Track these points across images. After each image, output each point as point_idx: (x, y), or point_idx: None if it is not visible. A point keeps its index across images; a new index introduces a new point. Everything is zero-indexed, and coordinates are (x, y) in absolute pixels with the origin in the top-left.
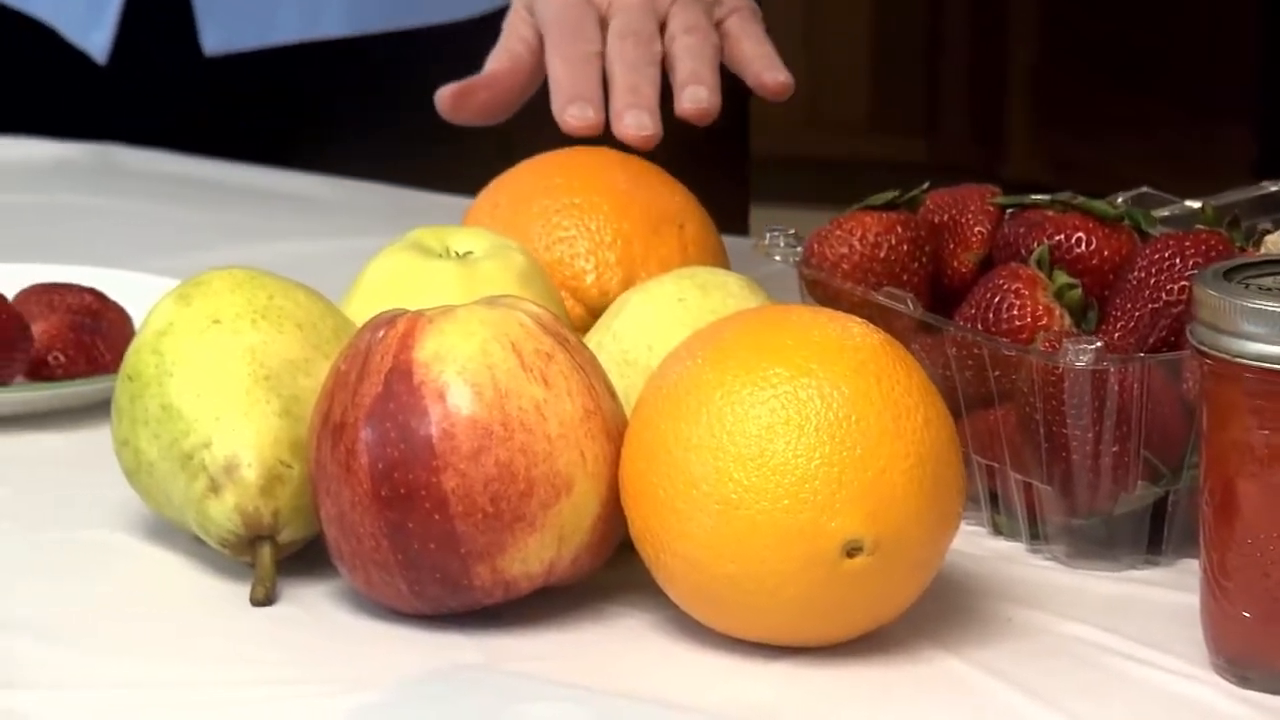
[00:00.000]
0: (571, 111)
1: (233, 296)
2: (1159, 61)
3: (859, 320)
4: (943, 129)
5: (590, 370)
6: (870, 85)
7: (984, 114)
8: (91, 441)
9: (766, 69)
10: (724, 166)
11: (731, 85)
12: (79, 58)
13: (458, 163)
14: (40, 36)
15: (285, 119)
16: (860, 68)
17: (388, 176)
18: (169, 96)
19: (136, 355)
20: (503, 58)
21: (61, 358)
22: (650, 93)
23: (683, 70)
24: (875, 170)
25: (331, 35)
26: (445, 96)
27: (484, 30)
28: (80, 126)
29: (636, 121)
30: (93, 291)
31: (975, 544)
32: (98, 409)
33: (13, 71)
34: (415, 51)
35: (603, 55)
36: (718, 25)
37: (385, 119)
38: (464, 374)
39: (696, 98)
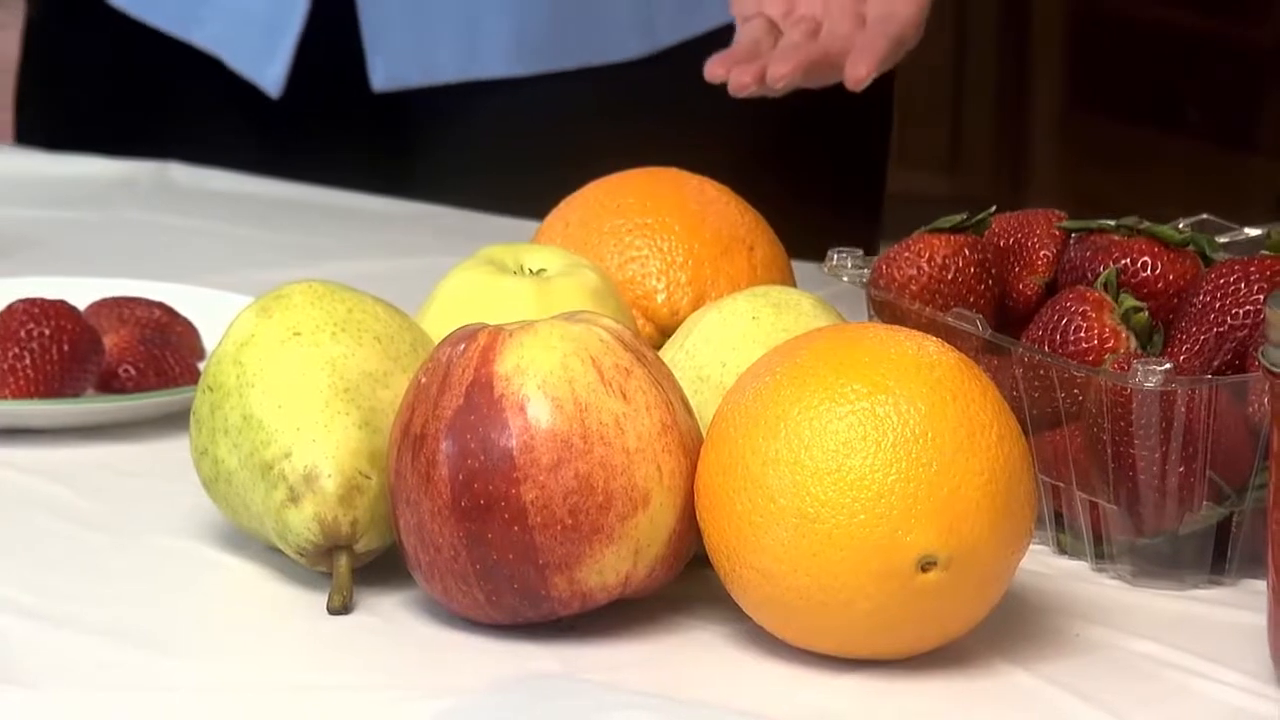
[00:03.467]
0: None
1: (313, 309)
2: (1182, 96)
3: (934, 339)
4: (966, 163)
5: (667, 385)
6: (895, 119)
7: (1008, 149)
8: (162, 452)
9: (854, 65)
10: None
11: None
12: (244, 90)
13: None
14: (204, 67)
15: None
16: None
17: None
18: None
19: (217, 366)
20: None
21: (132, 370)
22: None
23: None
24: (896, 204)
25: (492, 75)
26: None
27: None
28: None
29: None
30: (162, 306)
31: (1041, 562)
32: (167, 421)
33: (177, 101)
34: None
35: None
36: None
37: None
38: (544, 387)
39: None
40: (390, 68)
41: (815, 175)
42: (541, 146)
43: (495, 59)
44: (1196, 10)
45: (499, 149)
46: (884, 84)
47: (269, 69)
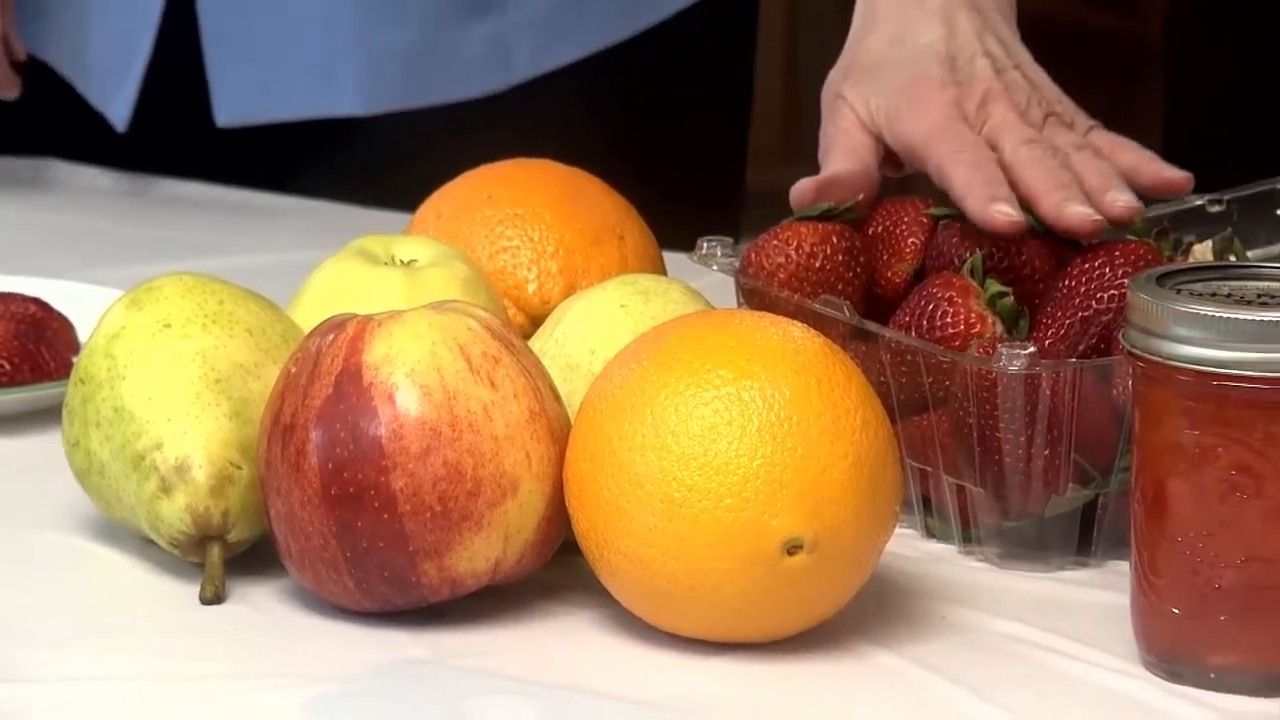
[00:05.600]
0: (999, 209)
1: (184, 301)
2: (1067, 88)
3: (800, 325)
4: None
5: (536, 373)
6: (782, 113)
7: None
8: (36, 447)
9: (1164, 168)
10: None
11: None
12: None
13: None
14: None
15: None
16: (775, 97)
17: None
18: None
19: (89, 358)
20: (849, 160)
21: (6, 365)
22: (1079, 189)
23: (1098, 178)
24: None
25: (344, 113)
26: (807, 190)
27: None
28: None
29: (1081, 211)
30: (37, 300)
31: (909, 546)
32: (42, 415)
33: (43, 118)
34: None
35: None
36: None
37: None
38: (413, 376)
39: (1128, 200)
40: (235, 104)
41: (676, 178)
42: (396, 173)
43: (347, 98)
44: (1080, 1)
45: (354, 175)
46: (741, 79)
47: (115, 102)
